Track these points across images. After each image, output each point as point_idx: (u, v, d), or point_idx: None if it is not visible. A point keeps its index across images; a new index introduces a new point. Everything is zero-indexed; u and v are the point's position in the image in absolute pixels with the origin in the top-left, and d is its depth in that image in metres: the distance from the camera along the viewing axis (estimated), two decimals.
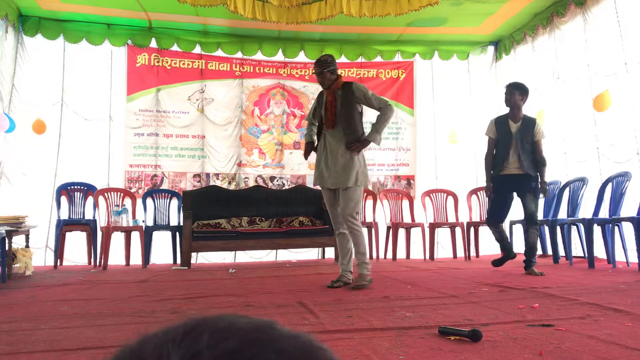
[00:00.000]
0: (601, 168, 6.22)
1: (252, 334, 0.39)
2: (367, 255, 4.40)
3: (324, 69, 4.33)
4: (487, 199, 6.66)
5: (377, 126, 4.37)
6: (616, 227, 5.36)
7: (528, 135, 5.15)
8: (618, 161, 5.96)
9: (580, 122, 6.67)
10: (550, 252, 6.37)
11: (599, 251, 5.60)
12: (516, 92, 5.30)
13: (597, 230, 5.45)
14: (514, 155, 5.14)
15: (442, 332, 2.29)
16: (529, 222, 5.10)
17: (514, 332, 2.29)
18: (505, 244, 5.44)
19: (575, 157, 6.79)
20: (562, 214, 6.23)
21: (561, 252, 6.16)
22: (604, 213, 5.57)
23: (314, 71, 4.39)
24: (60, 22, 7.52)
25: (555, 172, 7.01)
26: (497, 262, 5.50)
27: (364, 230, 7.54)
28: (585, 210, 5.88)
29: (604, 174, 6.05)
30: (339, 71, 4.58)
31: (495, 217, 5.37)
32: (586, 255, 5.52)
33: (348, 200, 4.24)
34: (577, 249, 6.31)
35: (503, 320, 2.60)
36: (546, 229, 6.56)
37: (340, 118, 4.30)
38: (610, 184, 5.50)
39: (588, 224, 5.38)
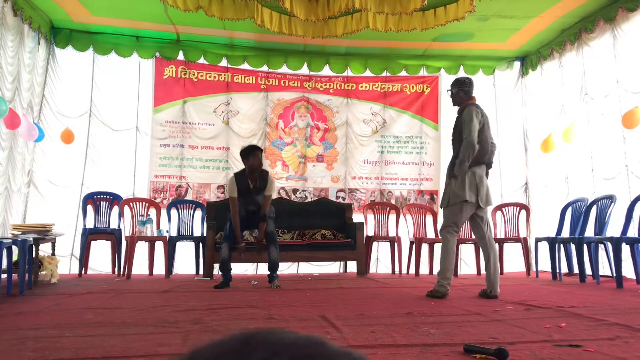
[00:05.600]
0: (630, 186, 6.10)
1: (304, 349, 0.39)
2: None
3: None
4: (502, 215, 6.61)
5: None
6: None
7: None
8: None
9: (609, 139, 6.56)
10: (576, 270, 6.25)
11: (628, 271, 5.48)
12: (260, 155, 5.58)
13: (625, 249, 5.33)
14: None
15: (467, 350, 2.25)
16: (271, 241, 5.53)
17: (541, 352, 2.24)
18: (228, 266, 5.55)
19: (603, 174, 6.67)
20: (589, 232, 6.12)
21: (588, 271, 6.04)
22: (632, 232, 5.45)
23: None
24: (90, 34, 7.69)
25: (582, 189, 6.91)
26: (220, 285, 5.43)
27: (387, 245, 7.53)
28: (613, 229, 5.76)
29: (633, 192, 5.93)
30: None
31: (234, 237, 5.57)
32: (614, 274, 5.40)
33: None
34: (604, 268, 6.18)
35: (529, 339, 2.55)
36: (572, 247, 6.44)
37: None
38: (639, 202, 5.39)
39: (616, 243, 5.26)
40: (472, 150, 4.42)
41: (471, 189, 4.49)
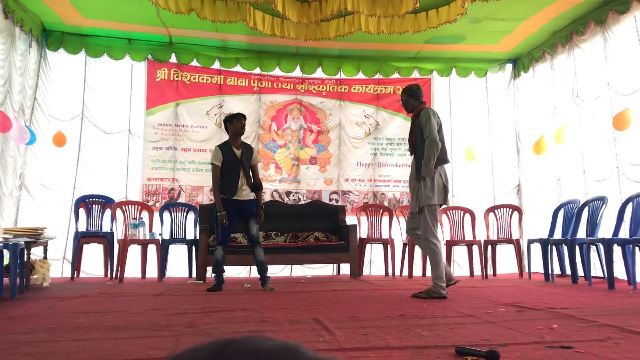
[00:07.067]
0: (621, 187, 6.14)
1: (279, 356, 0.39)
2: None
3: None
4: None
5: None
6: (637, 248, 5.27)
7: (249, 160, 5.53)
8: (638, 181, 5.88)
9: (600, 141, 6.60)
10: (568, 272, 6.28)
11: (619, 272, 5.51)
12: (244, 120, 5.57)
13: (617, 250, 5.36)
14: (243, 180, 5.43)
15: (459, 352, 2.26)
16: (256, 243, 5.46)
17: (533, 354, 2.25)
18: (221, 268, 5.51)
19: (595, 176, 6.71)
20: (581, 233, 6.15)
21: (580, 272, 6.07)
22: (624, 233, 5.48)
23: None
24: (82, 37, 7.66)
25: (574, 191, 6.94)
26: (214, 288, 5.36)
27: (380, 247, 7.53)
28: (605, 230, 5.79)
29: (624, 193, 5.97)
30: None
31: (227, 239, 5.53)
32: (606, 275, 5.42)
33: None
34: (596, 270, 6.21)
35: (521, 341, 2.56)
36: (565, 248, 6.47)
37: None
38: (630, 204, 5.42)
39: (608, 244, 5.29)
40: (436, 147, 4.59)
41: (439, 191, 4.68)
